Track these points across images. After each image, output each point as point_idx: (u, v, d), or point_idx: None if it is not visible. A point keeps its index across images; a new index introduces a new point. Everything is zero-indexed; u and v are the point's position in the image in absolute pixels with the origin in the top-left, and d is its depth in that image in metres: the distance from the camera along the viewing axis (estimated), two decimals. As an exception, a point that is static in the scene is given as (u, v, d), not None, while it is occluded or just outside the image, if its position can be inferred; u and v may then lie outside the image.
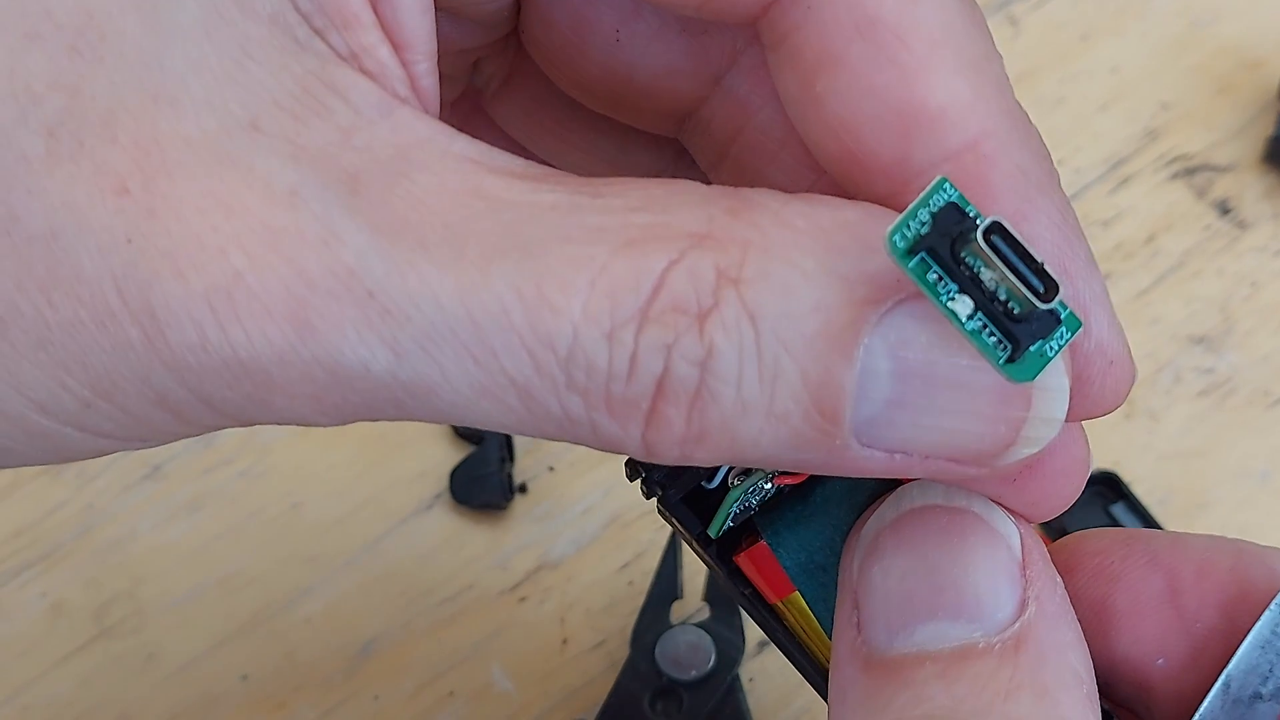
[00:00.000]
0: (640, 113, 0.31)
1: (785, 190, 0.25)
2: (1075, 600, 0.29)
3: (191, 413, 0.24)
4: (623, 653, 0.46)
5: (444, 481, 0.50)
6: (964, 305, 0.23)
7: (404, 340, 0.23)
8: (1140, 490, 0.50)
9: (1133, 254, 0.54)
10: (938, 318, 0.23)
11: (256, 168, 0.24)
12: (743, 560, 0.30)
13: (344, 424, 0.25)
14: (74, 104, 0.24)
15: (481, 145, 0.25)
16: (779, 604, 0.30)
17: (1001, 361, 0.23)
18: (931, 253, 0.23)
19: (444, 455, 0.50)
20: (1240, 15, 0.59)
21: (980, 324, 0.23)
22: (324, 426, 0.25)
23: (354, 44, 0.25)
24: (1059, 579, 0.27)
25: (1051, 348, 0.23)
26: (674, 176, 0.32)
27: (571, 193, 0.24)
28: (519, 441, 0.51)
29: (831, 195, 0.25)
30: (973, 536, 0.26)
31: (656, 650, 0.45)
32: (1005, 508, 0.28)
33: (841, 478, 0.30)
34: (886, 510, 0.27)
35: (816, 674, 0.30)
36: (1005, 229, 0.23)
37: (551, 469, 0.50)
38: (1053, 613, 0.26)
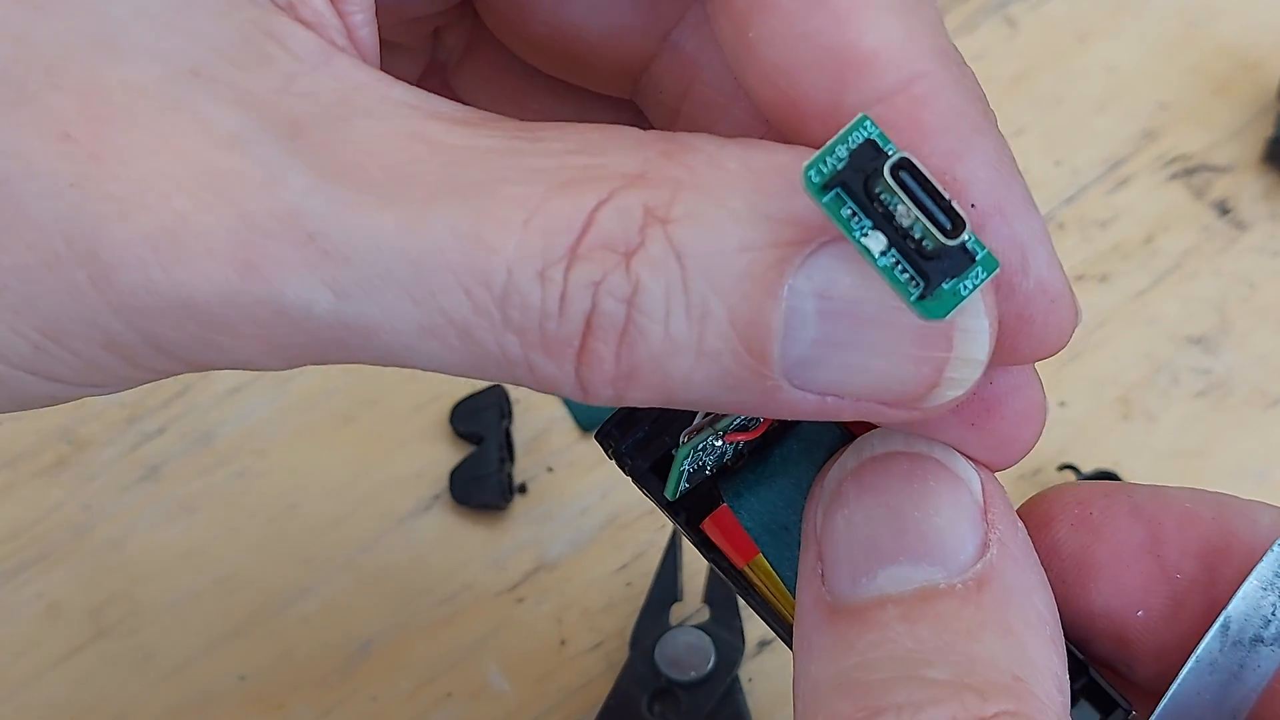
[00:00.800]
0: (592, 73, 0.32)
1: None
2: (1055, 552, 0.29)
3: (141, 356, 0.25)
4: (620, 654, 0.46)
5: (443, 481, 0.50)
6: (877, 241, 0.23)
7: (345, 281, 0.24)
8: (1138, 491, 0.50)
9: (1131, 254, 0.54)
10: (859, 257, 0.23)
11: (199, 112, 0.24)
12: (708, 526, 0.30)
13: (293, 366, 0.25)
14: (18, 51, 0.24)
15: (420, 92, 0.25)
16: (745, 568, 0.30)
17: (913, 299, 0.23)
18: (847, 189, 0.23)
19: (443, 455, 0.50)
20: (1238, 15, 0.59)
21: (893, 260, 0.23)
22: (275, 369, 0.25)
23: None
24: (1020, 524, 0.27)
25: (965, 286, 0.23)
26: None
27: (510, 136, 0.24)
28: (519, 442, 0.51)
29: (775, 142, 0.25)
30: (934, 481, 0.27)
31: (656, 651, 0.45)
32: (966, 455, 0.28)
33: (798, 437, 0.30)
34: (848, 459, 0.27)
35: (787, 635, 0.30)
36: (913, 164, 0.23)
37: (550, 469, 0.50)
38: (1015, 555, 0.26)
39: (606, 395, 0.24)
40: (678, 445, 0.29)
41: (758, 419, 0.29)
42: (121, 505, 0.50)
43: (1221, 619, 0.27)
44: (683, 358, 0.24)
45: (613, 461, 0.30)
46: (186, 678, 0.48)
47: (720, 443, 0.29)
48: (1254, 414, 0.52)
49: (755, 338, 0.24)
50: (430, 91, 0.34)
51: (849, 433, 0.30)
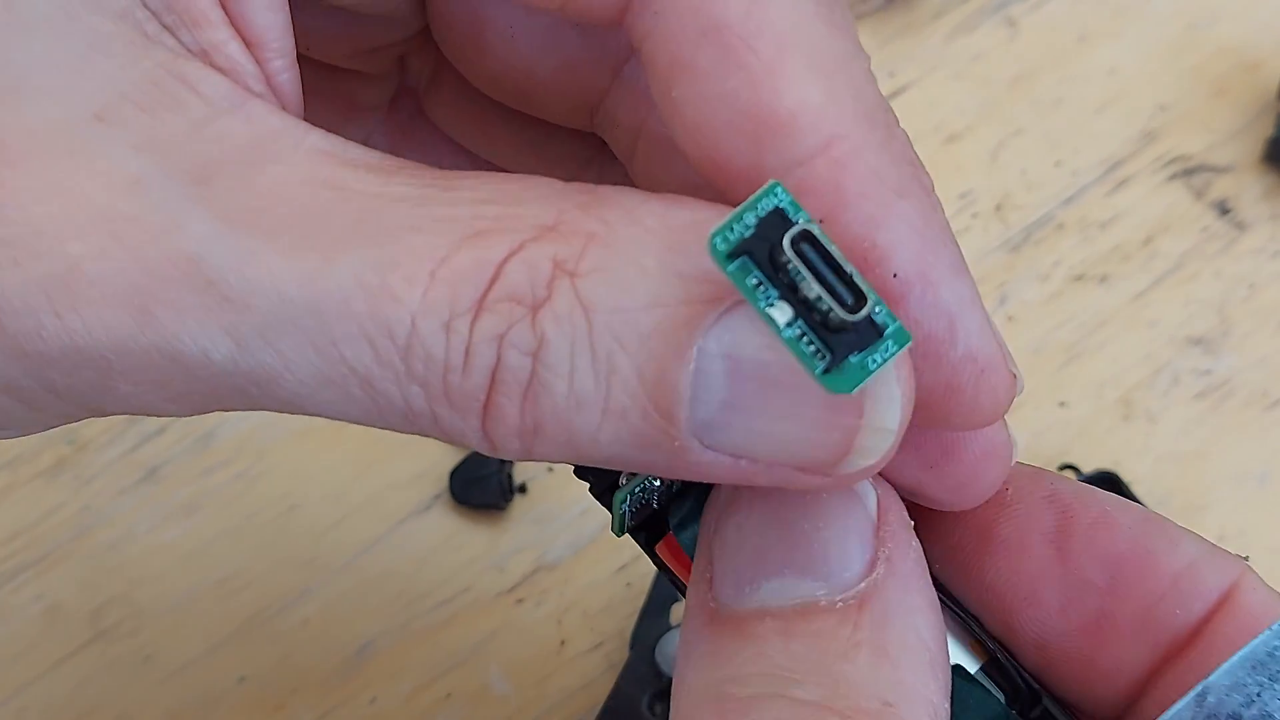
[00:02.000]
0: (548, 107, 0.31)
1: (684, 180, 0.25)
2: (962, 521, 0.29)
3: (40, 400, 0.24)
4: (620, 654, 0.46)
5: (443, 482, 0.50)
6: (782, 313, 0.22)
7: (244, 329, 0.23)
8: (1139, 491, 0.50)
9: (1130, 255, 0.54)
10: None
11: (99, 157, 0.24)
12: (661, 550, 0.30)
13: (197, 413, 0.25)
14: None
15: (336, 139, 0.25)
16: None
17: (819, 372, 0.22)
18: (753, 257, 0.22)
19: (443, 456, 0.50)
20: (1238, 17, 0.59)
21: (798, 332, 0.22)
22: (179, 415, 0.25)
23: (203, 40, 0.25)
24: (916, 544, 0.27)
25: (874, 360, 0.23)
26: (598, 169, 0.32)
27: (424, 185, 0.24)
28: (517, 443, 0.51)
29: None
30: (830, 495, 0.26)
31: (656, 651, 0.45)
32: (927, 497, 0.27)
33: None
34: None
35: None
36: (814, 236, 0.22)
37: (550, 469, 0.50)
38: (903, 575, 0.26)
39: (513, 449, 0.24)
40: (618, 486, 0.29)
41: None
42: (121, 507, 0.50)
43: (1199, 688, 0.26)
44: (589, 415, 0.23)
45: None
46: (186, 679, 0.48)
47: (658, 483, 0.29)
48: (1255, 415, 0.52)
49: (662, 397, 0.23)
50: (408, 116, 0.34)
51: None
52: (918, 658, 0.25)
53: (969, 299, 0.25)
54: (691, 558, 0.29)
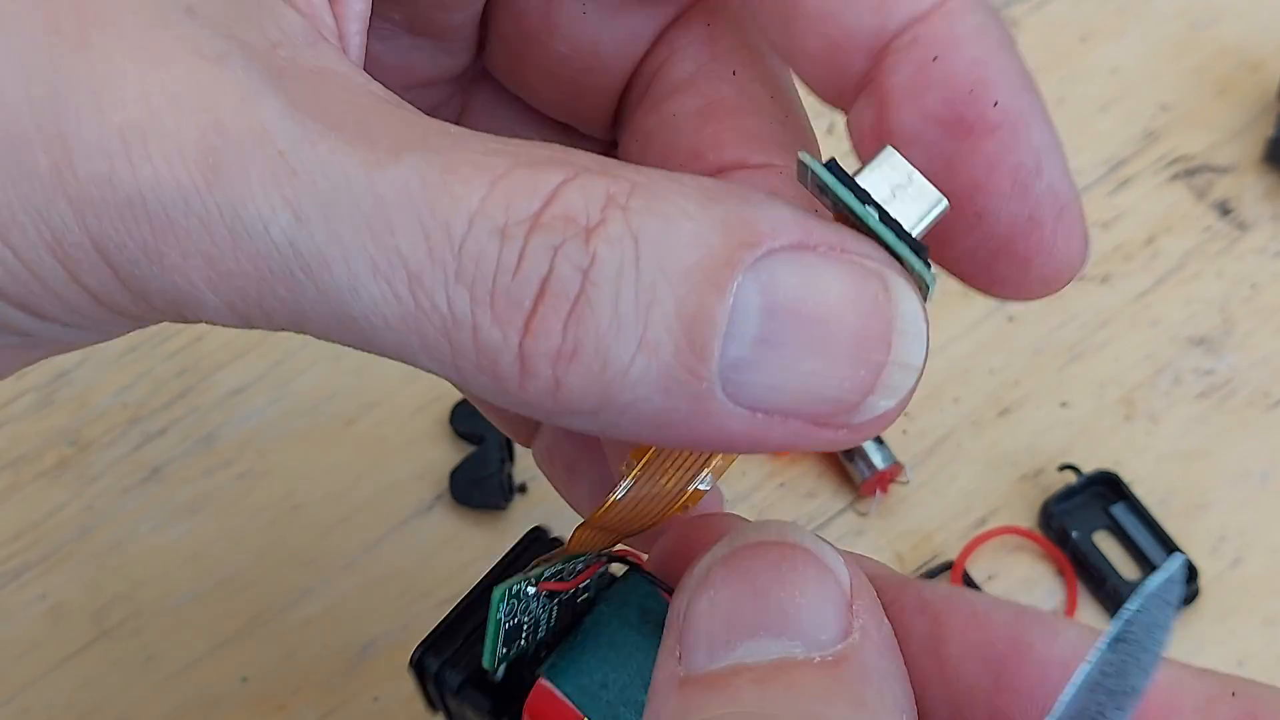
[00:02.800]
0: (588, 98, 0.33)
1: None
2: None
3: (83, 263, 0.25)
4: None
5: (444, 482, 0.50)
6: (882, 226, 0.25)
7: (307, 203, 0.24)
8: (1140, 491, 0.50)
9: (1132, 255, 0.54)
10: (808, 264, 0.24)
11: (188, 34, 0.24)
12: (529, 710, 0.30)
13: (234, 306, 0.25)
14: None
15: (397, 97, 0.26)
16: None
17: (929, 269, 0.25)
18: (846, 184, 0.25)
19: (444, 456, 0.50)
20: (1240, 17, 0.59)
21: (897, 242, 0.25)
22: (216, 313, 0.25)
23: None
24: (886, 622, 0.27)
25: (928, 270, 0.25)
26: None
27: (478, 132, 0.25)
28: (519, 443, 0.51)
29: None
30: (804, 568, 0.26)
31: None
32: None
33: (608, 600, 0.30)
34: (720, 548, 0.27)
35: None
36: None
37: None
38: (876, 642, 0.26)
39: (544, 377, 0.24)
40: (496, 668, 0.29)
41: (572, 570, 0.29)
42: (124, 507, 0.50)
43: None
44: (626, 343, 0.24)
45: (427, 700, 0.30)
46: (189, 679, 0.48)
47: (533, 590, 0.29)
48: (1256, 415, 0.52)
49: (698, 331, 0.24)
50: None
51: (662, 587, 0.30)
52: (894, 715, 0.25)
53: (1055, 144, 0.27)
54: (570, 697, 0.29)
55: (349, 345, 0.25)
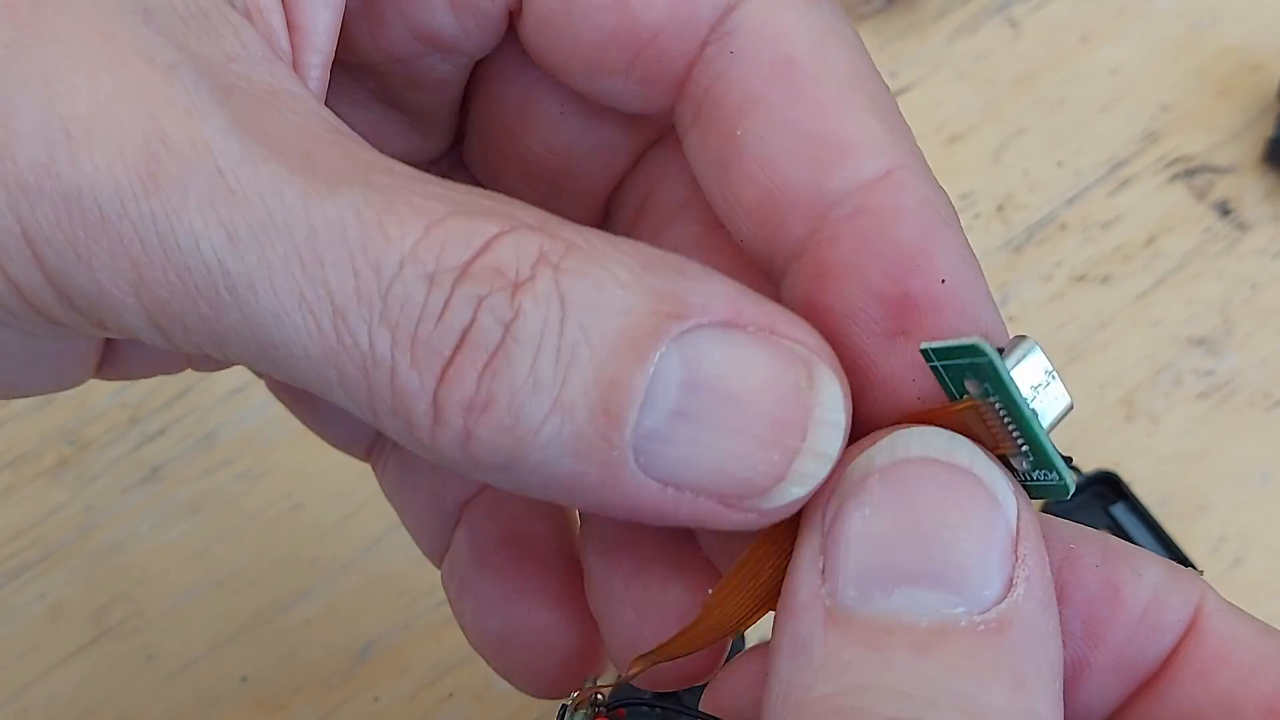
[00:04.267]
0: (568, 200, 0.33)
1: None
2: None
3: (10, 249, 0.24)
4: (623, 654, 0.46)
5: (444, 483, 0.50)
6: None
7: (241, 225, 0.24)
8: (1140, 491, 0.50)
9: (1133, 256, 0.54)
10: (733, 342, 0.24)
11: (141, 41, 0.24)
12: None
13: (154, 318, 0.24)
14: None
15: (346, 125, 0.26)
16: None
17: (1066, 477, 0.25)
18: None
19: (444, 456, 0.50)
20: (1240, 17, 0.59)
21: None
22: (131, 326, 0.25)
23: (251, 2, 0.26)
24: (1048, 566, 0.25)
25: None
26: None
27: (423, 173, 0.25)
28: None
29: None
30: (970, 502, 0.25)
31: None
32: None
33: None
34: (879, 453, 0.25)
35: None
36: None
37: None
38: (1039, 597, 0.25)
39: (455, 427, 0.24)
40: None
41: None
42: (123, 506, 0.50)
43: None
44: (540, 401, 0.24)
45: None
46: (189, 679, 0.48)
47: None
48: (1257, 415, 0.52)
49: (615, 397, 0.24)
50: None
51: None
52: (1051, 688, 0.24)
53: (1000, 321, 0.27)
54: None
55: (268, 372, 0.25)
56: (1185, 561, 0.45)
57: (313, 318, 0.24)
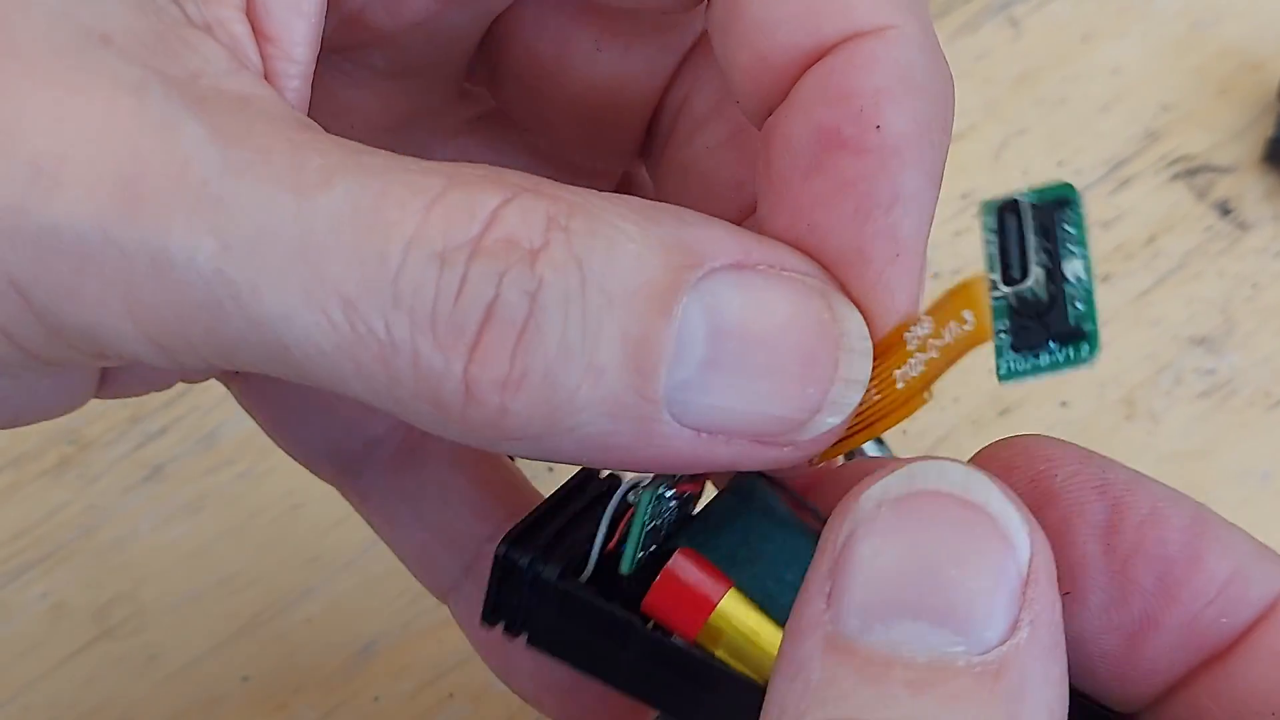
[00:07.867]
0: (612, 132, 0.33)
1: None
2: None
3: None
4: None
5: (445, 482, 0.50)
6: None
7: (233, 232, 0.23)
8: (1141, 491, 0.50)
9: (1133, 255, 0.54)
10: (750, 284, 0.24)
11: (103, 65, 0.24)
12: (653, 597, 0.28)
13: (156, 340, 0.24)
14: None
15: (315, 123, 0.25)
16: (705, 626, 0.28)
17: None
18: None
19: (445, 456, 0.50)
20: (1241, 17, 0.59)
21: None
22: (133, 354, 0.24)
23: (209, 15, 0.25)
24: (1059, 603, 0.25)
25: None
26: None
27: (407, 156, 0.25)
28: (520, 442, 0.51)
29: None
30: (981, 541, 0.24)
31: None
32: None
33: (726, 500, 0.29)
34: (894, 483, 0.25)
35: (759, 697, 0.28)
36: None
37: (551, 469, 0.50)
38: (1044, 644, 0.24)
39: (490, 404, 0.24)
40: (620, 510, 0.28)
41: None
42: (125, 505, 0.50)
43: None
44: (573, 368, 0.23)
45: (495, 604, 0.28)
46: (190, 678, 0.48)
47: (670, 492, 0.28)
48: (1258, 415, 0.52)
49: (645, 355, 0.23)
50: None
51: (789, 492, 0.29)
52: None
53: (924, 197, 0.26)
54: (719, 565, 0.27)
55: (280, 376, 0.25)
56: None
57: (323, 313, 0.23)
